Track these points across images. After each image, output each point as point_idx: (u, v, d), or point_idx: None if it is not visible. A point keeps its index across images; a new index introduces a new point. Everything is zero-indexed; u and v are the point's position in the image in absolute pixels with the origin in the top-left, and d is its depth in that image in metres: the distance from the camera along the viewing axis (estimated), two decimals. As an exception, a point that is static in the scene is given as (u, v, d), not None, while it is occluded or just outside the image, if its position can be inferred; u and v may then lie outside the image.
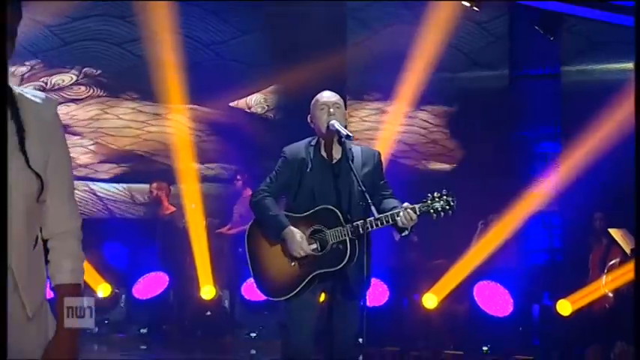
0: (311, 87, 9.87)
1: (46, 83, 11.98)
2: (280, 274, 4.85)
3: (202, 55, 11.50)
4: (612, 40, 9.93)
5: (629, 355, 7.27)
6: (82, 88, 12.04)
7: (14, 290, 2.36)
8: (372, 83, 11.28)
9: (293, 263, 4.79)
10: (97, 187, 11.91)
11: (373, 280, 8.67)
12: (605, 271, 8.69)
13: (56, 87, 12.00)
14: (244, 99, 12.00)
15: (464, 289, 8.74)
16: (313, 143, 4.89)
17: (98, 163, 12.11)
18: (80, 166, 11.99)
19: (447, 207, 4.68)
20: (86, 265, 8.04)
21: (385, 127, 10.67)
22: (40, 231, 2.49)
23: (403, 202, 4.75)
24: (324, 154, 4.86)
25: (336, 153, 4.82)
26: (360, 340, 8.31)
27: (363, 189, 4.58)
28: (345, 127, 4.77)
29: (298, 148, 4.93)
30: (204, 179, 11.63)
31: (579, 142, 10.39)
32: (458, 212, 4.74)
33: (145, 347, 9.42)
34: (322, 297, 5.00)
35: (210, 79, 11.20)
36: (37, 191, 2.40)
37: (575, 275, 9.06)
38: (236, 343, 9.21)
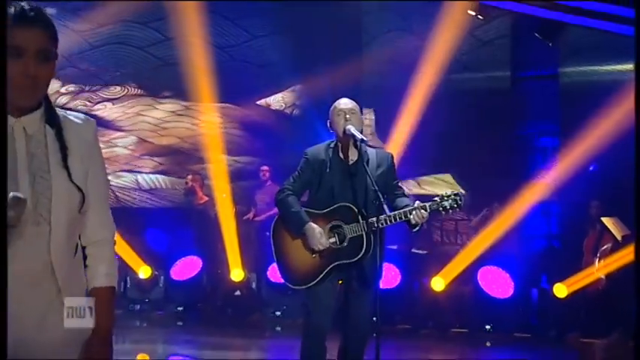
0: (326, 86, 9.97)
1: (85, 84, 12.09)
2: (302, 265, 4.85)
3: (217, 57, 11.29)
4: (607, 44, 9.81)
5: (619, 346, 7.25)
6: (118, 88, 12.13)
7: (57, 294, 2.34)
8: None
9: (314, 255, 4.78)
10: (140, 178, 11.99)
11: (387, 265, 8.77)
12: (598, 256, 8.69)
13: (93, 88, 12.11)
14: (265, 97, 11.98)
15: (469, 274, 8.74)
16: (332, 146, 4.87)
17: (140, 156, 12.22)
18: (125, 159, 12.11)
19: (455, 205, 4.70)
20: (129, 249, 8.09)
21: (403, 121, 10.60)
22: (79, 238, 2.46)
23: (414, 201, 4.79)
24: (341, 155, 4.84)
25: (353, 155, 4.80)
26: (375, 318, 8.40)
27: (376, 188, 4.56)
28: (361, 132, 4.76)
29: (318, 150, 4.91)
30: (233, 171, 11.61)
31: (576, 138, 10.35)
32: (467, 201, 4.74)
33: (181, 323, 9.52)
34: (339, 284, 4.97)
35: (225, 79, 11.09)
36: (78, 203, 2.37)
37: (571, 260, 9.03)
38: (262, 320, 9.24)
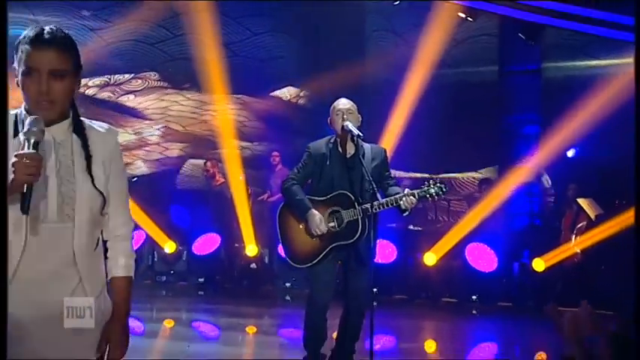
0: (328, 81, 9.89)
1: (110, 79, 12.05)
2: (304, 246, 4.91)
3: (222, 53, 11.15)
4: (584, 42, 9.82)
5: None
6: (139, 81, 12.08)
7: (79, 282, 2.33)
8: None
9: (315, 237, 4.86)
10: (166, 162, 11.99)
11: (384, 242, 8.85)
12: (575, 233, 8.72)
13: (117, 82, 12.07)
14: (267, 90, 11.91)
15: (458, 250, 8.74)
16: (332, 141, 4.93)
17: (166, 142, 12.22)
18: (152, 145, 12.09)
19: (440, 192, 4.80)
20: (156, 227, 8.10)
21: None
22: (101, 233, 2.45)
23: (404, 189, 4.85)
24: (340, 150, 4.90)
25: (350, 149, 4.87)
26: (375, 289, 8.52)
27: (370, 179, 4.65)
28: (358, 128, 4.81)
29: (320, 144, 4.97)
30: (247, 156, 11.62)
31: (556, 125, 10.38)
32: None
33: (202, 293, 9.56)
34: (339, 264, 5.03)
35: (230, 73, 11.06)
36: (100, 205, 2.36)
37: (550, 237, 9.06)
38: (274, 291, 9.27)
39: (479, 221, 8.76)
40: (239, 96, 11.85)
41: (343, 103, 4.92)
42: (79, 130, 2.36)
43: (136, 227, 8.58)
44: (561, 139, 10.33)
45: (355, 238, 4.82)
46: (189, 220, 10.43)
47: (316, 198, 4.92)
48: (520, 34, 8.79)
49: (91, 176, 2.33)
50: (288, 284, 9.21)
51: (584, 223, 8.81)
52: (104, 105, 12.14)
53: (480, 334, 7.93)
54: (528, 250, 8.86)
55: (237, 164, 10.48)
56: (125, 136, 12.10)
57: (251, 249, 9.44)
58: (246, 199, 9.84)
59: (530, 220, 10.08)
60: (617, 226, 7.88)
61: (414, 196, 4.70)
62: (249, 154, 11.78)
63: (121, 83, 12.09)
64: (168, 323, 7.96)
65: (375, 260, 8.43)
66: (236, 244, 9.73)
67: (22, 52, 2.24)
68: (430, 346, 7.20)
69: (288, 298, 8.97)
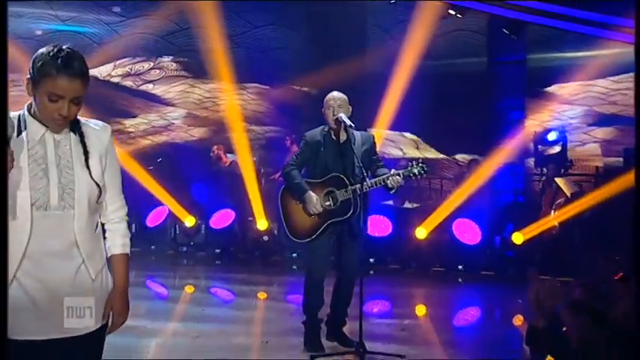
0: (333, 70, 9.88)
1: (131, 69, 12.09)
2: (303, 224, 5.00)
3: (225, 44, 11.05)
4: (564, 36, 9.82)
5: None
6: (157, 71, 12.11)
7: (82, 262, 2.35)
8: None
9: (312, 216, 4.96)
10: (186, 145, 12.12)
11: (381, 218, 8.93)
12: (554, 208, 8.75)
13: (137, 72, 12.11)
14: (268, 79, 11.84)
15: (446, 225, 8.74)
16: (326, 130, 5.01)
17: (187, 126, 12.33)
18: (170, 127, 12.19)
19: (422, 172, 4.86)
20: (177, 204, 8.14)
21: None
22: (100, 217, 2.46)
23: (391, 169, 4.95)
24: (334, 137, 4.99)
25: (342, 136, 4.95)
26: (372, 260, 8.66)
27: (360, 164, 4.77)
28: (350, 118, 4.89)
29: (315, 133, 5.05)
30: (260, 139, 11.71)
31: (539, 111, 10.44)
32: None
33: (218, 262, 9.61)
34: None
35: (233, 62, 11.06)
36: (97, 194, 2.37)
37: (532, 212, 9.06)
38: (282, 260, 9.27)
39: (465, 199, 8.75)
40: (251, 85, 11.84)
41: (334, 96, 4.98)
42: (77, 128, 2.38)
43: (160, 204, 8.72)
44: (543, 123, 10.41)
45: (349, 215, 4.92)
46: (207, 197, 10.38)
47: (313, 181, 5.02)
48: (504, 30, 8.76)
49: (89, 169, 2.35)
50: (294, 255, 9.20)
51: (562, 199, 8.85)
52: (131, 93, 12.23)
53: (465, 299, 7.98)
54: (512, 225, 8.82)
55: (246, 147, 10.46)
56: (150, 121, 12.22)
57: (262, 223, 9.45)
58: (255, 179, 9.82)
59: (515, 197, 10.06)
60: (590, 202, 7.95)
61: (400, 176, 4.79)
62: (262, 137, 11.81)
63: (140, 73, 12.15)
64: (189, 289, 8.04)
65: (372, 234, 8.63)
66: (249, 219, 9.74)
67: (46, 76, 2.24)
68: (420, 309, 7.26)
69: (294, 267, 8.97)
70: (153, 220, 10.25)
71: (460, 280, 8.48)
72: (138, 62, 12.09)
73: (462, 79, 10.96)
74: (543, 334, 5.05)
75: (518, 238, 8.41)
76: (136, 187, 9.94)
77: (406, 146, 11.81)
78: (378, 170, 4.99)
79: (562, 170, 9.66)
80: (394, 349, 5.17)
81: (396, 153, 11.58)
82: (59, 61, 2.23)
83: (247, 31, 11.81)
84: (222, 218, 10.01)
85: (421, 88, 10.16)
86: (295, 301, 7.06)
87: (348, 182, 4.91)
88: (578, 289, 6.55)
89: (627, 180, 6.98)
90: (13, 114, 2.30)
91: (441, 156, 11.63)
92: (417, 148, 11.75)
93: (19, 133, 2.30)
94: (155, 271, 8.93)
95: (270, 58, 11.62)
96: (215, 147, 10.61)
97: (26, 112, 2.33)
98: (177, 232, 10.21)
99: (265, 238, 9.58)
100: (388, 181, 4.79)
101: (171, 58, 11.98)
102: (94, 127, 2.44)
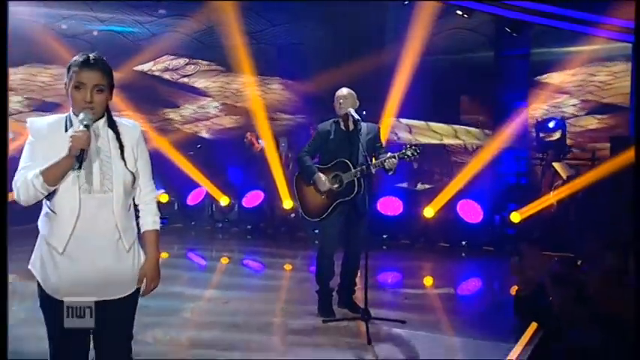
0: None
1: (169, 65, 12.14)
2: (315, 204, 5.17)
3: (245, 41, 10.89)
4: (562, 33, 9.73)
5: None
6: (192, 66, 12.14)
7: (119, 236, 2.51)
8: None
9: (323, 196, 5.11)
10: (222, 132, 12.21)
11: (394, 199, 9.02)
12: (552, 189, 8.76)
13: (174, 67, 12.15)
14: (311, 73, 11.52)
15: (451, 205, 8.73)
16: (335, 121, 5.15)
17: (224, 115, 12.45)
18: (207, 117, 12.28)
19: (415, 153, 4.90)
20: (213, 185, 8.37)
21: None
22: (133, 200, 2.61)
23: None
24: (342, 128, 5.13)
25: (350, 126, 5.08)
26: (385, 236, 8.78)
27: (365, 153, 4.90)
28: (356, 111, 5.03)
29: (325, 124, 5.20)
30: (289, 126, 11.77)
31: (540, 101, 10.41)
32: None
33: (249, 237, 9.64)
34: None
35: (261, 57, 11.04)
36: (131, 181, 2.54)
37: (533, 194, 9.01)
38: (306, 236, 9.18)
39: (469, 180, 8.75)
40: (276, 78, 11.81)
41: (342, 92, 5.10)
42: (113, 125, 2.56)
43: (199, 185, 8.99)
44: (543, 113, 10.38)
45: (353, 195, 5.04)
46: (240, 179, 10.49)
47: (322, 166, 5.17)
48: (506, 28, 8.77)
49: (124, 160, 2.53)
50: (316, 231, 8.88)
51: (560, 182, 8.86)
52: (172, 86, 12.42)
53: (468, 272, 7.99)
54: (515, 205, 8.78)
55: (271, 135, 10.42)
56: (190, 111, 12.44)
57: (287, 203, 9.48)
58: (279, 163, 9.83)
59: (517, 180, 10.01)
60: (579, 185, 7.97)
61: (395, 158, 4.87)
62: (288, 125, 11.81)
63: (177, 68, 12.20)
64: (224, 260, 8.21)
65: (385, 213, 8.73)
66: (275, 199, 9.76)
67: (73, 72, 2.45)
68: (427, 280, 7.32)
69: (316, 242, 8.69)
70: (193, 199, 10.50)
71: (463, 254, 8.49)
72: (174, 59, 12.17)
73: (471, 72, 10.88)
74: (527, 302, 5.22)
75: (515, 217, 8.42)
76: (177, 170, 10.28)
77: (420, 132, 11.84)
78: (381, 156, 5.09)
79: (561, 155, 9.71)
80: (400, 315, 5.24)
81: (408, 138, 11.63)
82: (82, 58, 2.47)
83: (265, 29, 11.70)
84: (253, 198, 10.13)
85: (434, 79, 10.17)
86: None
87: (352, 166, 5.03)
88: (561, 264, 6.67)
89: (613, 164, 7.02)
90: (60, 115, 2.54)
91: (452, 142, 11.65)
92: (431, 132, 11.68)
93: (66, 129, 2.48)
94: (195, 245, 9.19)
95: (293, 53, 11.55)
96: (248, 134, 10.67)
97: (71, 113, 2.52)
98: (214, 210, 10.32)
99: (292, 215, 9.57)
100: (385, 163, 4.88)
101: (203, 54, 11.98)
102: (126, 124, 2.61)
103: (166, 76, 12.33)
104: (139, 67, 12.02)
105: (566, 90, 10.65)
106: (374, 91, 9.25)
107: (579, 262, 6.25)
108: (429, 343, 4.72)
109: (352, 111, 4.99)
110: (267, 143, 10.25)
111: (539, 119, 10.39)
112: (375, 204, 7.73)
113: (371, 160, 4.98)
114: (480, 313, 5.94)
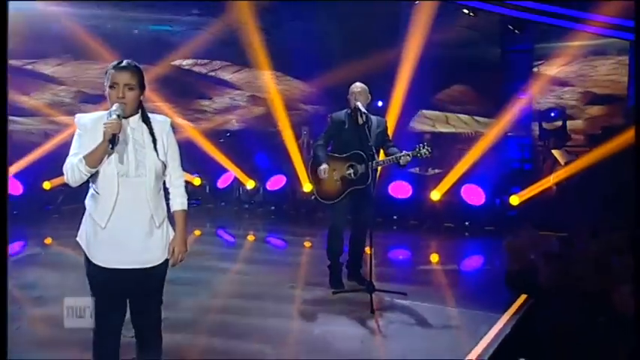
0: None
1: (197, 61, 12.20)
2: (329, 188, 5.28)
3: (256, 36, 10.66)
4: (562, 30, 9.70)
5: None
6: (218, 62, 12.29)
7: (151, 217, 2.66)
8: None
9: (337, 182, 5.17)
10: (250, 121, 12.29)
11: (404, 183, 9.07)
12: (552, 174, 8.78)
13: (201, 63, 12.26)
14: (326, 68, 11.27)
15: (455, 189, 8.73)
16: (349, 112, 5.23)
17: (252, 105, 12.66)
18: (236, 107, 12.45)
19: (428, 152, 5.02)
20: (240, 170, 8.55)
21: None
22: (164, 184, 2.76)
23: (419, 143, 5.07)
24: (354, 119, 5.19)
25: (362, 119, 5.10)
26: (395, 217, 8.84)
27: (373, 145, 4.97)
28: (369, 104, 5.13)
29: (339, 114, 5.27)
30: (309, 115, 11.83)
31: (543, 92, 10.40)
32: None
33: (273, 217, 9.76)
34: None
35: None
36: (162, 169, 2.70)
37: (535, 178, 8.93)
38: (324, 217, 8.85)
39: (472, 165, 8.76)
40: (298, 72, 11.77)
41: (356, 86, 5.16)
42: (146, 120, 2.74)
43: (227, 170, 9.16)
44: (545, 105, 10.38)
45: (366, 184, 5.15)
46: (265, 165, 10.54)
47: (337, 155, 5.27)
48: (509, 26, 8.79)
49: (156, 151, 2.70)
50: None
51: (559, 167, 8.92)
52: (204, 79, 12.59)
53: (470, 249, 8.04)
54: (519, 188, 8.70)
55: (289, 124, 10.38)
56: (221, 102, 12.61)
57: (307, 186, 9.31)
58: (297, 150, 9.86)
59: (521, 165, 9.99)
60: (573, 171, 8.00)
61: (409, 156, 5.00)
62: (308, 115, 11.88)
63: (204, 64, 12.31)
64: (250, 238, 8.36)
65: (395, 196, 8.83)
66: (296, 183, 9.75)
67: (109, 74, 2.64)
68: (434, 257, 7.42)
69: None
70: (222, 182, 10.69)
71: (466, 234, 8.51)
72: (202, 55, 12.20)
73: (479, 65, 10.91)
74: (518, 276, 5.36)
75: (514, 200, 8.45)
76: (209, 157, 10.50)
77: (437, 121, 11.87)
78: (389, 149, 5.21)
79: (561, 143, 9.74)
80: (408, 289, 5.26)
81: (426, 128, 11.67)
82: (116, 63, 2.67)
83: (281, 26, 11.38)
84: (276, 182, 10.23)
85: (445, 72, 10.19)
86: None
87: (365, 157, 5.11)
88: (554, 242, 6.76)
89: (605, 150, 7.08)
90: (102, 113, 2.74)
91: (461, 130, 11.69)
92: (447, 122, 11.73)
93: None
94: (224, 224, 9.36)
95: (311, 49, 11.39)
96: (279, 123, 10.57)
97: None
98: (241, 192, 10.47)
99: (312, 197, 9.64)
100: (400, 160, 5.01)
101: (229, 50, 11.81)
102: (158, 118, 2.78)
103: (195, 70, 12.42)
104: (176, 62, 12.19)
105: (566, 81, 10.63)
106: (389, 85, 9.29)
107: (570, 241, 6.33)
108: (426, 312, 4.88)
109: (360, 105, 5.05)
110: (285, 132, 10.30)
111: (542, 109, 10.37)
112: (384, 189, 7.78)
113: (378, 153, 5.09)
114: (479, 286, 6.07)
